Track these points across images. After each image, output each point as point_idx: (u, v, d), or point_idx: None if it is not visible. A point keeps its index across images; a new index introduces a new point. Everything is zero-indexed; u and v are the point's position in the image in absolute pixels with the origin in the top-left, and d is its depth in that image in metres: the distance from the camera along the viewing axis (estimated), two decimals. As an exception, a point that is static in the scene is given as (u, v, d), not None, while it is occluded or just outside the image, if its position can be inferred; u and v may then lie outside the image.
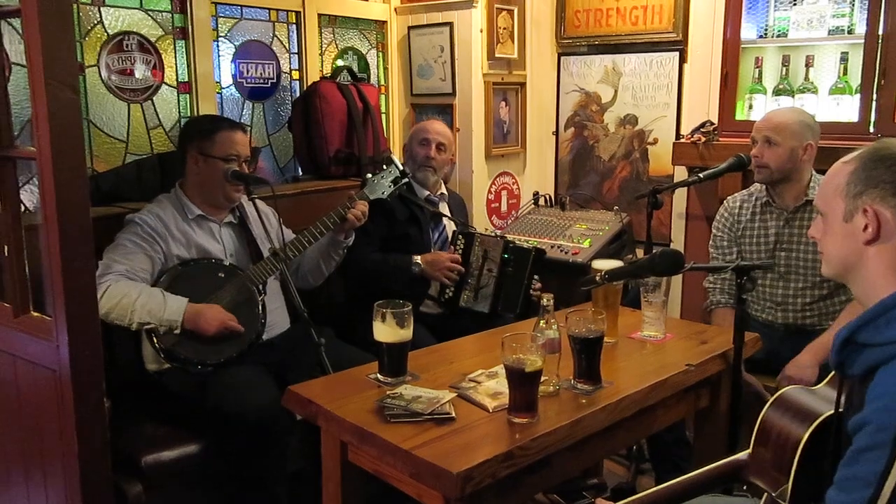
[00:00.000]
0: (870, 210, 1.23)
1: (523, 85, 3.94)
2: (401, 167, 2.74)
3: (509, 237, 2.99)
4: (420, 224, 2.99)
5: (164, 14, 3.06)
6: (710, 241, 2.85)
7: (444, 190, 3.16)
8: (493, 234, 3.03)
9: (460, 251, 2.93)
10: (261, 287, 2.47)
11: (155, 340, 2.30)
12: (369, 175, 2.72)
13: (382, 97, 3.91)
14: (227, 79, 3.32)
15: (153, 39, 3.03)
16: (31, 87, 1.67)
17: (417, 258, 2.86)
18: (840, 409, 1.31)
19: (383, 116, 3.88)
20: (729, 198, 2.84)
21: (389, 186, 2.71)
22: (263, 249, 2.56)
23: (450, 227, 3.12)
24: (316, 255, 2.71)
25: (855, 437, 1.14)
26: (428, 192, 3.06)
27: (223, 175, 2.46)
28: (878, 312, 1.19)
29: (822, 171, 2.54)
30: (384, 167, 2.73)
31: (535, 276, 2.89)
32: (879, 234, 1.23)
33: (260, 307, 2.46)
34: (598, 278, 2.05)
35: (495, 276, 2.87)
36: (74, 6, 2.74)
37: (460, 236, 2.96)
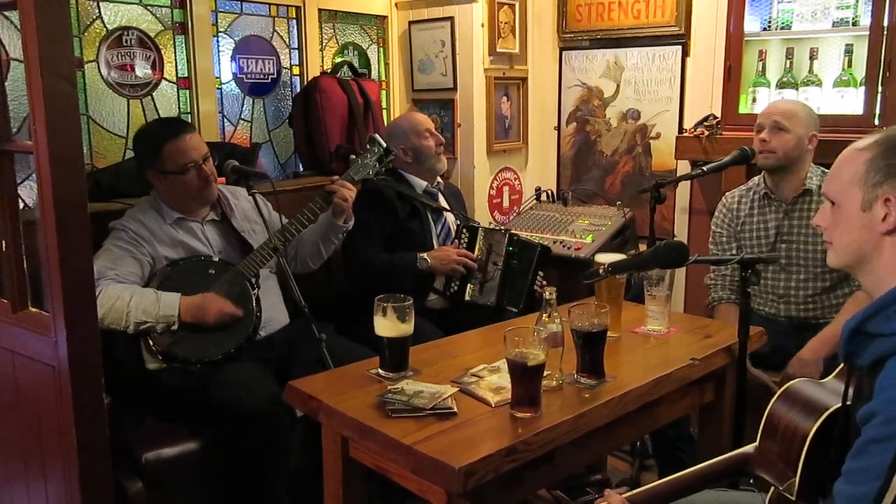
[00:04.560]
0: (892, 200, 1.21)
1: (525, 80, 3.92)
2: (384, 145, 2.71)
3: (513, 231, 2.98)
4: (421, 218, 2.97)
5: (163, 9, 3.04)
6: (710, 238, 2.84)
7: (440, 179, 3.15)
8: (496, 228, 3.02)
9: (464, 245, 2.91)
10: (254, 280, 2.45)
11: (151, 343, 2.28)
12: (353, 156, 2.71)
13: (383, 92, 3.89)
14: (227, 74, 3.31)
15: (153, 35, 3.02)
16: (27, 79, 1.65)
17: (424, 255, 2.84)
18: (848, 402, 1.29)
19: (384, 112, 3.86)
20: (727, 193, 2.83)
21: (375, 165, 2.69)
22: (252, 242, 2.54)
23: (450, 218, 3.10)
24: (315, 239, 2.69)
25: (863, 429, 1.13)
26: (426, 184, 3.04)
27: (199, 178, 2.42)
28: (887, 302, 1.18)
29: (823, 164, 2.56)
30: (368, 146, 2.72)
31: (540, 274, 2.88)
32: None
33: (254, 301, 2.43)
34: (601, 271, 2.02)
35: (500, 269, 2.86)
36: (73, 0, 2.72)
37: (464, 230, 2.94)
